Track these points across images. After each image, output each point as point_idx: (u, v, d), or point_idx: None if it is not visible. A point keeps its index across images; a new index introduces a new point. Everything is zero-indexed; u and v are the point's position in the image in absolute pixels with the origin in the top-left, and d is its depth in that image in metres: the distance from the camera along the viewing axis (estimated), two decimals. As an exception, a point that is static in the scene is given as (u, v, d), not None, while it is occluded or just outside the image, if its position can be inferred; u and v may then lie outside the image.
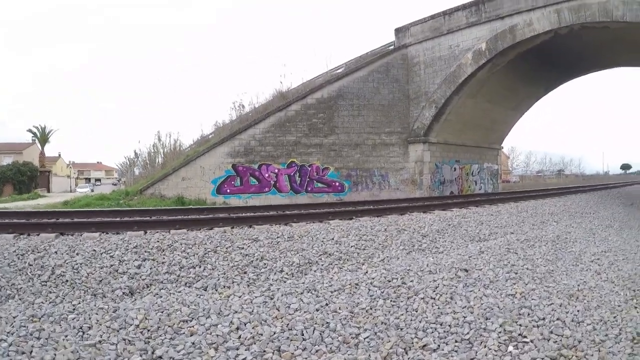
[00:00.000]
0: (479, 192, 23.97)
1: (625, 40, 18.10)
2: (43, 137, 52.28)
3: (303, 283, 5.96)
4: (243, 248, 7.37)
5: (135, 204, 16.30)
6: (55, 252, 6.74)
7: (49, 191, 45.70)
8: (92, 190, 42.43)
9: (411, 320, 4.91)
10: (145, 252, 6.81)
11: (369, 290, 5.66)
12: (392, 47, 22.45)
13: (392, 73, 21.66)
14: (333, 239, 8.30)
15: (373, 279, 6.04)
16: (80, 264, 6.38)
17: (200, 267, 6.55)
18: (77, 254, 6.71)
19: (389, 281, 5.97)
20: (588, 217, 13.52)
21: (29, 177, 43.93)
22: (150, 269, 6.34)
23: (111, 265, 6.34)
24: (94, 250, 6.82)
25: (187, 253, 6.90)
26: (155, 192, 18.03)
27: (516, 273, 6.72)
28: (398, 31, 22.32)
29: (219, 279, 6.24)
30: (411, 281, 6.00)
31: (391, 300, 5.37)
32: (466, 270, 6.60)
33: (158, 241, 7.24)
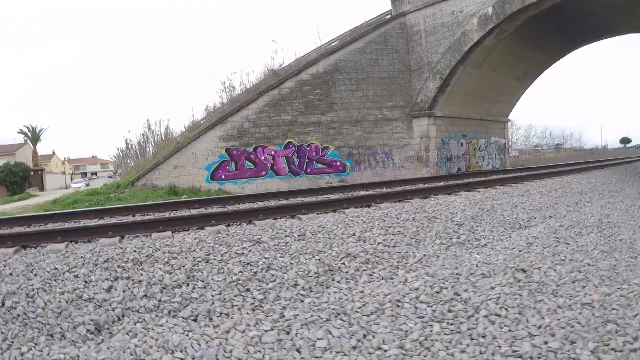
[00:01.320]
0: (489, 170, 22.55)
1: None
2: (35, 136, 53.02)
3: (327, 303, 4.53)
4: (243, 254, 5.82)
5: (127, 197, 15.02)
6: (11, 274, 5.24)
7: (42, 190, 45.51)
8: (88, 185, 42.29)
9: (481, 354, 3.55)
10: (119, 267, 5.28)
11: (417, 309, 4.28)
12: (389, 16, 20.77)
13: (391, 43, 20.03)
14: (354, 234, 6.77)
15: (417, 290, 4.66)
16: (38, 289, 4.88)
17: (188, 285, 5.02)
18: (36, 275, 5.22)
19: (438, 293, 4.59)
20: (618, 197, 12.33)
21: (21, 177, 43.59)
22: (124, 292, 4.83)
23: (75, 290, 4.84)
24: (56, 268, 5.31)
25: (172, 266, 5.36)
26: (147, 183, 16.85)
27: (580, 271, 5.39)
28: (394, -1, 20.67)
29: (213, 303, 4.73)
30: (465, 291, 4.62)
31: (448, 323, 4.00)
32: (524, 271, 5.26)
33: (135, 251, 5.71)
